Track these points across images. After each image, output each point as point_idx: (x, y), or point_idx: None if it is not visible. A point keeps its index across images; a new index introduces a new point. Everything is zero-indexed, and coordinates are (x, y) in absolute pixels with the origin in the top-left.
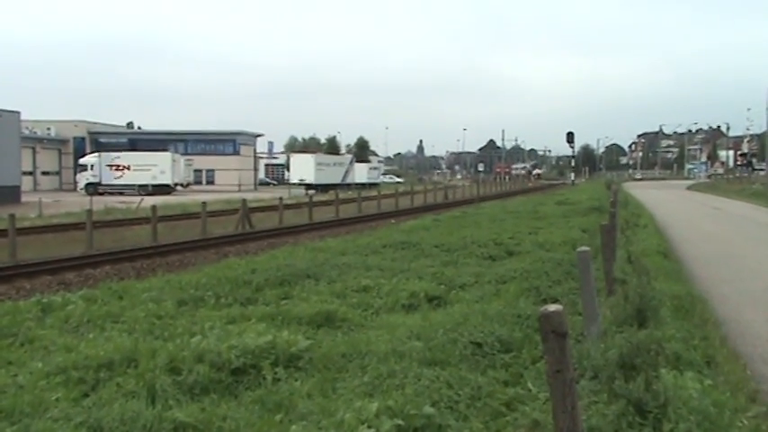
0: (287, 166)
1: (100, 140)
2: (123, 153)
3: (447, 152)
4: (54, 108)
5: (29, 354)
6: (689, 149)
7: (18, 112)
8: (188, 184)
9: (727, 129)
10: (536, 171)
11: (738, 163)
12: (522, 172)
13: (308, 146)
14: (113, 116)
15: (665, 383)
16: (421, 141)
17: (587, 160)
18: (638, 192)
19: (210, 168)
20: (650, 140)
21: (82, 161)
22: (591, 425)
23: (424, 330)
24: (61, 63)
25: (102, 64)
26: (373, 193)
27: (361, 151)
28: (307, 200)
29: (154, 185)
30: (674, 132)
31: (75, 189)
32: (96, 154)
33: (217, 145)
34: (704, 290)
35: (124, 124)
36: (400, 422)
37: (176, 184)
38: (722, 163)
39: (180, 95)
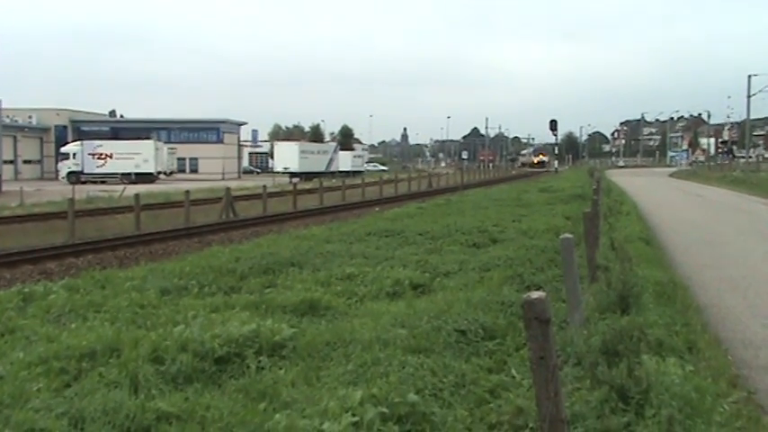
0: (271, 155)
1: (82, 129)
2: (106, 141)
3: (431, 140)
4: (35, 96)
5: (10, 344)
6: (671, 137)
7: None
8: (171, 173)
9: (708, 117)
10: (539, 158)
11: (719, 150)
12: (533, 159)
13: (292, 134)
14: (95, 104)
15: (647, 369)
16: (405, 129)
17: (570, 148)
18: (621, 179)
19: (194, 157)
20: (632, 128)
21: (64, 150)
22: (574, 411)
23: (409, 318)
24: (43, 51)
25: (85, 52)
26: (357, 181)
27: (346, 139)
28: (291, 188)
29: (137, 174)
30: (656, 120)
31: (56, 178)
32: (78, 142)
33: (200, 133)
34: (686, 276)
35: (106, 113)
36: (384, 410)
37: (159, 173)
38: (703, 150)
39: (163, 84)
